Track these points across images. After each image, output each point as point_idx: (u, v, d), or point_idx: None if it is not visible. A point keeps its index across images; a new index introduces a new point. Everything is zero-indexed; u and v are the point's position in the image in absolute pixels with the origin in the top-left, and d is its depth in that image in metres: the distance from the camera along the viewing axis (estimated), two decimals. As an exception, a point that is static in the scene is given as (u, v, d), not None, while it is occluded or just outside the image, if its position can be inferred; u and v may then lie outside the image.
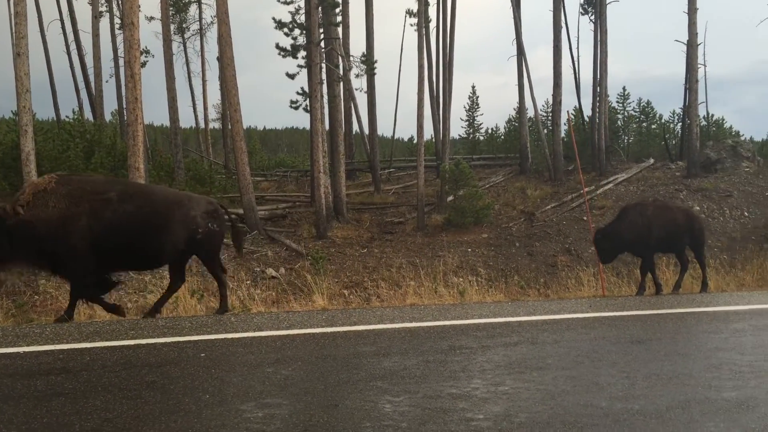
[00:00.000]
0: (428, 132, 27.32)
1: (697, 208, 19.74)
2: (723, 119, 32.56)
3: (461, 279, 13.22)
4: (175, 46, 29.73)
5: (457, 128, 36.46)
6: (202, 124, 35.80)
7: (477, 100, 34.75)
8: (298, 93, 19.42)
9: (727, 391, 3.98)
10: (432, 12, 26.73)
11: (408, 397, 3.86)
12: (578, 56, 28.16)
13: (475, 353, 5.16)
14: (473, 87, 36.00)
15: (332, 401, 3.76)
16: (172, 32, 27.40)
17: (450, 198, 20.45)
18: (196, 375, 4.44)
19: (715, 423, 3.37)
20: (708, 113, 30.64)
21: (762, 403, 3.73)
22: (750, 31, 74.45)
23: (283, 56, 19.32)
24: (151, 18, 28.85)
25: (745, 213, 19.45)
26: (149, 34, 55.90)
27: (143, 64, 23.26)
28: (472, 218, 18.86)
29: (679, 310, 7.62)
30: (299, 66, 19.82)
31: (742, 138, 28.62)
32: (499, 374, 4.46)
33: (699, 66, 23.42)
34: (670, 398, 3.84)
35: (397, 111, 43.93)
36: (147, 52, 27.04)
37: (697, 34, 22.78)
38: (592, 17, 26.33)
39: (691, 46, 22.85)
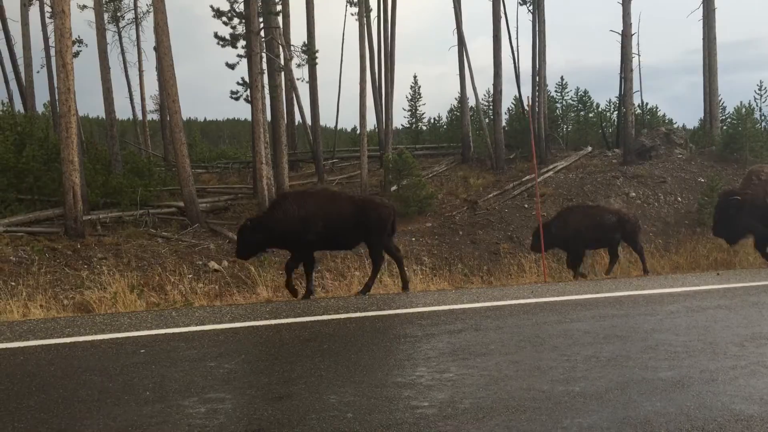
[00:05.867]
0: (371, 122, 27.31)
1: (633, 194, 20.30)
2: (656, 107, 33.52)
3: (406, 268, 13.28)
4: (110, 36, 28.86)
5: (400, 118, 36.72)
6: (139, 116, 34.92)
7: (419, 89, 34.88)
8: (238, 83, 19.12)
9: (663, 371, 4.10)
10: (373, 2, 26.68)
11: (353, 387, 3.85)
12: (518, 46, 28.66)
13: (419, 341, 5.18)
14: (415, 77, 36.18)
15: (277, 394, 3.72)
16: (106, 21, 26.58)
17: (394, 188, 20.50)
18: (136, 371, 4.34)
19: (652, 402, 3.47)
20: (642, 102, 31.50)
21: (696, 381, 3.86)
22: (681, 21, 76.65)
23: (222, 46, 18.97)
24: (84, 6, 27.93)
25: (679, 198, 20.09)
26: (82, 23, 54.27)
27: (76, 54, 22.53)
28: (416, 207, 18.96)
29: (617, 294, 7.82)
30: (239, 56, 19.49)
31: (675, 125, 29.51)
32: (443, 362, 4.49)
33: (633, 56, 24.03)
34: (609, 380, 3.93)
35: (339, 101, 43.77)
36: (80, 41, 26.12)
37: (631, 24, 23.35)
38: (531, 8, 26.69)
39: (626, 36, 23.41)
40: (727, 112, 28.98)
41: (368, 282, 9.96)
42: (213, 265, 14.20)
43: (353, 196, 10.54)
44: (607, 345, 4.88)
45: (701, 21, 25.75)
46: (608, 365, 4.29)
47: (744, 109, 24.19)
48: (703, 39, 25.87)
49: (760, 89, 29.36)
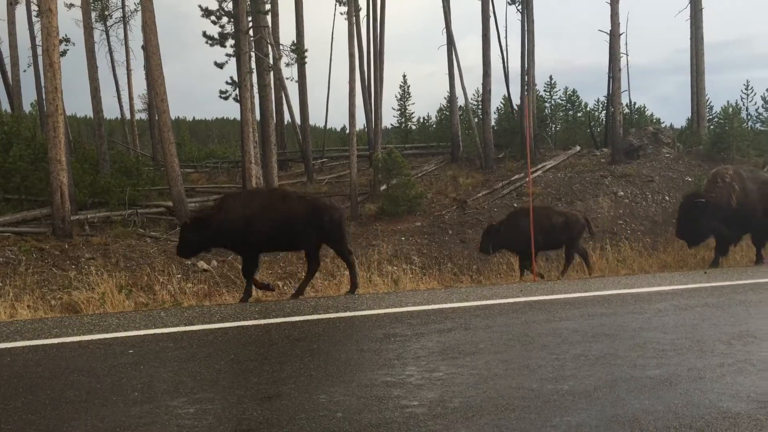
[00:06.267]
0: (360, 121, 27.30)
1: (621, 193, 20.39)
2: (644, 107, 33.69)
3: (395, 267, 13.26)
4: (97, 35, 28.70)
5: (390, 117, 36.59)
6: (128, 115, 34.75)
7: (408, 89, 34.89)
8: (227, 83, 19.04)
9: (651, 369, 4.12)
10: (363, 1, 26.67)
11: (343, 386, 3.85)
12: (507, 45, 28.71)
13: (409, 341, 5.19)
14: (404, 76, 36.00)
15: (266, 394, 3.71)
16: (93, 20, 26.44)
17: (383, 187, 20.50)
18: (124, 372, 4.32)
19: (640, 400, 3.49)
20: (630, 101, 31.66)
21: (684, 379, 3.88)
22: (670, 21, 77.00)
23: (211, 45, 18.90)
24: (71, 5, 27.79)
25: (666, 197, 20.20)
26: (69, 21, 53.70)
27: (63, 53, 22.35)
28: (405, 207, 18.97)
29: (605, 293, 7.85)
30: (228, 55, 19.45)
31: (663, 125, 29.66)
32: (433, 360, 4.49)
33: (621, 55, 24.14)
34: (598, 378, 3.95)
35: (329, 100, 43.71)
36: (67, 40, 25.95)
37: (619, 24, 23.46)
38: (519, 7, 26.77)
39: (614, 35, 23.51)
40: (714, 111, 29.21)
41: (353, 281, 9.83)
42: (202, 264, 14.15)
43: (305, 197, 10.21)
44: (595, 343, 4.90)
45: (689, 21, 25.92)
46: (597, 363, 4.30)
47: (731, 109, 24.37)
48: (691, 39, 26.05)
49: (746, 89, 29.59)
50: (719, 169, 13.91)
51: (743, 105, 29.12)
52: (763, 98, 29.33)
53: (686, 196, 13.35)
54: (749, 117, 29.27)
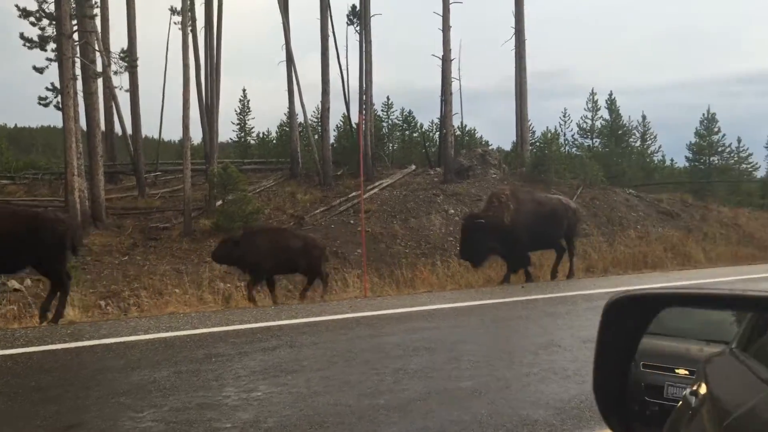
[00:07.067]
0: (197, 135, 26.50)
1: (452, 211, 21.26)
2: (474, 129, 35.48)
3: (228, 284, 12.87)
4: None
5: (229, 132, 35.71)
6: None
7: (248, 103, 34.42)
8: (47, 89, 17.72)
9: (464, 381, 4.30)
10: (200, 11, 25.98)
11: (153, 411, 3.67)
12: (347, 65, 29.06)
13: (231, 360, 5.06)
14: (244, 90, 35.45)
15: (65, 423, 3.45)
16: None
17: (219, 202, 19.97)
18: None
19: (450, 412, 3.62)
20: (462, 124, 33.20)
21: (492, 390, 4.08)
22: (499, 49, 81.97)
23: (30, 48, 17.53)
24: None
25: (493, 216, 21.31)
26: None
27: None
28: (241, 223, 18.54)
29: (431, 307, 8.08)
30: (49, 59, 18.11)
31: (491, 147, 31.39)
32: (253, 380, 4.41)
33: (453, 80, 25.28)
34: (414, 391, 4.05)
35: (163, 112, 42.05)
36: None
37: (450, 50, 24.55)
38: (358, 28, 27.31)
39: (446, 60, 24.59)
40: (536, 136, 31.41)
41: (57, 309, 8.36)
42: (12, 284, 12.98)
43: (18, 211, 9.20)
44: (415, 357, 5.04)
45: (513, 51, 27.70)
46: (415, 377, 4.42)
47: (549, 134, 26.32)
48: (516, 68, 27.84)
49: (564, 116, 32.14)
50: (496, 190, 14.47)
51: (561, 131, 31.61)
52: (578, 125, 32.02)
53: (466, 217, 13.43)
54: (566, 142, 31.81)
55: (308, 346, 5.59)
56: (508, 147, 31.46)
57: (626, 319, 1.14)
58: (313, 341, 5.85)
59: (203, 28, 25.91)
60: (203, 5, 25.14)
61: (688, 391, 1.51)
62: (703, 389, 1.36)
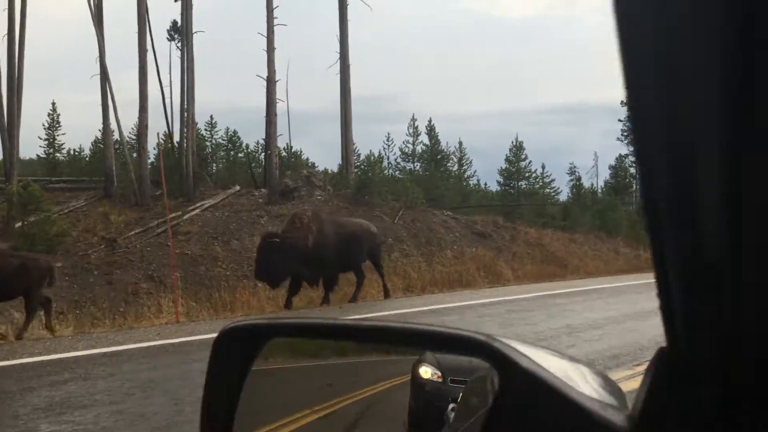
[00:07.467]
0: (-3, 150, 24.16)
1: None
2: (301, 151, 35.59)
3: (20, 314, 11.63)
4: None
5: (35, 147, 32.86)
6: None
7: (58, 118, 32.10)
8: None
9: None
10: (2, 18, 23.86)
11: None
12: (170, 81, 27.99)
13: (12, 398, 4.57)
14: (54, 104, 32.94)
15: None
16: None
17: (18, 224, 18.34)
18: None
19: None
20: (289, 145, 33.17)
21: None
22: (325, 72, 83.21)
23: None
24: None
25: (317, 237, 21.39)
26: None
27: None
28: (43, 246, 17.13)
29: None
30: None
31: (317, 169, 31.60)
32: (34, 419, 3.99)
33: (279, 101, 25.23)
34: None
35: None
36: None
37: (275, 71, 24.51)
38: (179, 44, 26.46)
39: (271, 81, 24.47)
40: (361, 158, 32.09)
41: None
42: None
43: None
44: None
45: (338, 75, 28.18)
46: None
47: (372, 158, 27.03)
48: (341, 92, 28.30)
49: (387, 140, 33.15)
50: (297, 211, 14.60)
51: (385, 154, 32.56)
52: (401, 149, 33.16)
53: (263, 237, 13.22)
54: (390, 165, 32.79)
55: (104, 378, 5.19)
56: (335, 168, 31.84)
57: (236, 351, 1.11)
58: (110, 372, 5.44)
59: (4, 36, 23.86)
60: (5, 11, 23.22)
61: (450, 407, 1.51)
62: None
